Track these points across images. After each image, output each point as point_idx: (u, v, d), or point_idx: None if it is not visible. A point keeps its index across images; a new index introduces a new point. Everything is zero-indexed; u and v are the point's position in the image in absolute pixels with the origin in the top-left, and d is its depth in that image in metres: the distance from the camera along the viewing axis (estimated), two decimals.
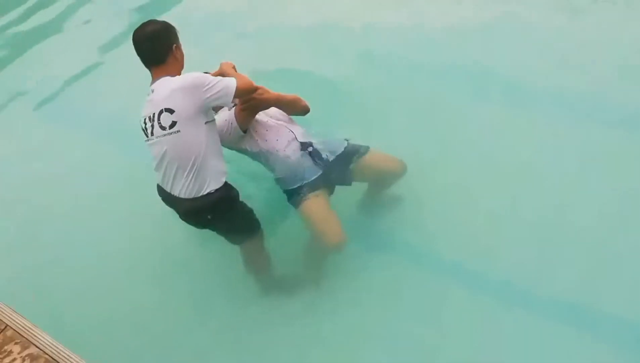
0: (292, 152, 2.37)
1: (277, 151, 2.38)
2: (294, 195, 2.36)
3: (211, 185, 2.13)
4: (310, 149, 2.38)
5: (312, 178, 2.35)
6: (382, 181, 2.66)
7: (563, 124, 3.05)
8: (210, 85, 2.04)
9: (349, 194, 2.64)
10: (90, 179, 3.20)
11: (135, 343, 2.45)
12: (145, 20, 2.17)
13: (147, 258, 2.77)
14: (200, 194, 2.12)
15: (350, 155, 2.47)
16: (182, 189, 2.12)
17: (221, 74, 2.24)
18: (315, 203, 2.32)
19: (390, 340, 2.36)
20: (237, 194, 2.27)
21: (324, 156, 2.40)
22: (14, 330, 2.06)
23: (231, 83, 2.09)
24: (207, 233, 2.37)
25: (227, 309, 2.57)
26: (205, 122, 2.10)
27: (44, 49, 4.43)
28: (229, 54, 2.88)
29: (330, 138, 2.54)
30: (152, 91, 2.09)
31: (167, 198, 2.22)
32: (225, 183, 2.19)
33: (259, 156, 2.45)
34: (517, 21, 3.80)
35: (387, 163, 2.57)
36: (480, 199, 2.75)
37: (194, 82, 2.02)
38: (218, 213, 2.20)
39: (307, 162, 2.36)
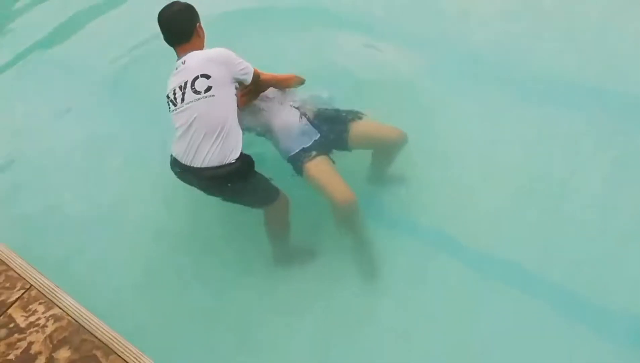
0: (291, 118, 2.51)
1: (277, 120, 2.51)
2: (296, 161, 2.42)
3: (233, 154, 2.20)
4: (306, 114, 2.54)
5: (310, 142, 2.45)
6: (381, 150, 2.65)
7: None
8: (238, 61, 2.25)
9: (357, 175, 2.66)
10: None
11: (152, 311, 2.48)
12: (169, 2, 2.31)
13: (173, 225, 2.79)
14: (224, 163, 2.18)
15: (343, 118, 2.55)
16: (207, 157, 2.17)
17: None
18: (317, 165, 2.40)
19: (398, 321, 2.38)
20: (253, 162, 2.33)
21: (316, 120, 2.52)
22: (38, 290, 2.09)
23: (249, 66, 2.30)
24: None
25: (232, 277, 2.60)
26: (234, 93, 2.27)
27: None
28: None
29: (319, 101, 2.65)
30: (184, 62, 2.21)
31: (186, 170, 2.25)
32: (242, 152, 2.26)
33: (263, 130, 2.57)
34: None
35: (383, 130, 2.58)
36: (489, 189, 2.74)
37: (227, 55, 2.22)
38: (238, 180, 2.27)
39: (305, 126, 2.49)
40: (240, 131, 2.27)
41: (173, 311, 2.48)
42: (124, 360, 1.84)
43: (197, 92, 2.15)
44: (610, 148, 2.86)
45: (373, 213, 2.66)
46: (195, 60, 2.19)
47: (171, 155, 2.30)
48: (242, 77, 2.29)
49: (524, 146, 2.93)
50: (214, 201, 2.45)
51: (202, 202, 2.64)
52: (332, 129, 2.51)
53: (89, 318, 1.99)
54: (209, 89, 2.15)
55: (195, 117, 2.15)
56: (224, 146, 2.17)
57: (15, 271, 2.15)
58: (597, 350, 2.19)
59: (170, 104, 2.24)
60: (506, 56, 3.44)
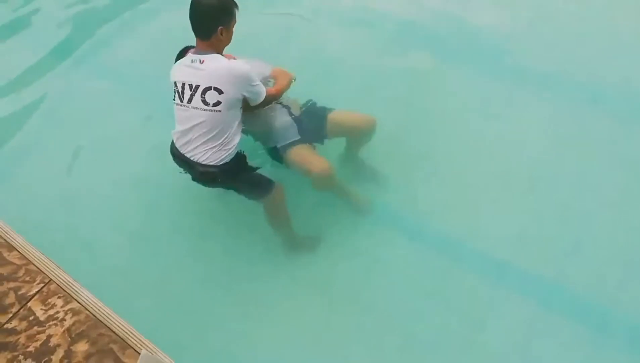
0: (281, 116, 2.60)
1: (269, 119, 2.58)
2: (278, 151, 2.54)
3: (228, 157, 2.30)
4: (290, 109, 2.64)
5: (298, 136, 2.57)
6: (354, 137, 2.82)
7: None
8: (254, 84, 2.26)
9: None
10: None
11: (168, 307, 2.52)
12: None
13: (191, 222, 2.84)
14: (217, 163, 2.28)
15: (320, 112, 2.70)
16: (202, 157, 2.27)
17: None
18: (298, 150, 2.53)
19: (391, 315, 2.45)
20: (245, 158, 2.43)
21: (300, 115, 2.65)
22: (57, 284, 2.12)
23: (263, 91, 2.33)
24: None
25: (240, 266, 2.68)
26: (240, 108, 2.31)
27: None
28: None
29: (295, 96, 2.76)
30: (201, 62, 2.19)
31: (181, 158, 2.34)
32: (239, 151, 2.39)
33: (257, 132, 2.65)
34: None
35: (355, 119, 2.74)
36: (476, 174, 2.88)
37: (245, 75, 2.22)
38: (228, 176, 2.36)
39: (292, 121, 2.59)
40: (239, 137, 2.33)
41: (188, 307, 2.52)
42: (140, 353, 1.86)
43: (205, 102, 2.17)
44: (615, 147, 2.92)
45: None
46: (214, 67, 2.17)
47: (172, 139, 2.39)
48: (252, 98, 2.30)
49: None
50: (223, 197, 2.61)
51: (210, 198, 2.75)
52: (313, 122, 2.66)
53: (107, 312, 2.02)
54: (217, 103, 2.17)
55: (197, 123, 2.22)
56: (220, 151, 2.27)
57: (35, 265, 2.18)
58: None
59: (176, 94, 2.27)
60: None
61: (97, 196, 2.97)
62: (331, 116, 2.67)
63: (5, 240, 2.27)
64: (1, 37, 4.07)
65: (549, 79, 3.32)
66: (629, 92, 3.19)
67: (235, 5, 2.26)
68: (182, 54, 2.43)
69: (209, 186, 2.55)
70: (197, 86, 2.17)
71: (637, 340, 2.26)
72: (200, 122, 2.22)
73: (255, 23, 3.53)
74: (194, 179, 2.46)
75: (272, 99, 2.51)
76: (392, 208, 2.82)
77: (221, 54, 2.28)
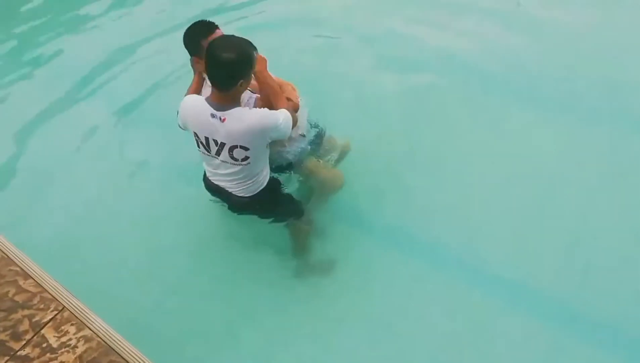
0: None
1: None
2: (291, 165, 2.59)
3: (261, 186, 2.34)
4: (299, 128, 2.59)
5: (308, 148, 2.66)
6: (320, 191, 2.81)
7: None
8: (279, 124, 2.09)
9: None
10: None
11: (180, 332, 2.53)
12: (229, 35, 2.09)
13: (201, 247, 2.88)
14: (253, 193, 2.34)
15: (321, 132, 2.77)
16: (237, 191, 2.32)
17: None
18: (308, 161, 2.65)
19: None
20: (279, 182, 2.48)
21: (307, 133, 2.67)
22: (70, 311, 2.15)
23: (289, 118, 2.15)
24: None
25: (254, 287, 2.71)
26: (267, 145, 2.22)
27: None
28: None
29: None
30: (222, 120, 2.04)
31: (217, 189, 2.38)
32: (272, 176, 2.41)
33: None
34: None
35: (326, 175, 2.72)
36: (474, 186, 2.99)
37: (268, 126, 2.06)
38: (266, 203, 2.40)
39: (302, 138, 2.61)
40: (268, 166, 2.36)
41: (202, 336, 2.52)
42: None
43: (234, 159, 2.14)
44: (614, 159, 3.05)
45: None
46: (236, 125, 2.03)
47: (204, 172, 2.42)
48: (283, 135, 2.19)
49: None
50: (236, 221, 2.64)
51: (227, 226, 2.79)
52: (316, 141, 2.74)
53: (118, 339, 2.04)
54: (246, 158, 2.14)
55: (228, 172, 2.23)
56: (254, 185, 2.31)
57: (50, 293, 2.22)
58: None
59: (200, 145, 2.20)
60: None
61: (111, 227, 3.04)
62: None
63: (21, 268, 2.32)
64: None
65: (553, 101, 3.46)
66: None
67: (254, 49, 2.06)
68: (193, 37, 2.25)
69: (244, 214, 2.56)
70: (223, 144, 2.10)
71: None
72: (232, 172, 2.23)
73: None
74: (230, 208, 2.51)
75: (295, 116, 2.30)
76: (409, 232, 2.87)
77: (239, 103, 2.14)
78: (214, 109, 2.05)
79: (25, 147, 3.49)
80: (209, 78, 2.08)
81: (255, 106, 2.30)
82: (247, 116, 2.05)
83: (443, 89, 3.63)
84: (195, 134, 2.17)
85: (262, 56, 2.18)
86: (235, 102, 2.08)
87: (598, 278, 2.56)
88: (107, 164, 3.37)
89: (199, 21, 2.30)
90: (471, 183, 3.04)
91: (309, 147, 2.67)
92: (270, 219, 2.59)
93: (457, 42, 3.99)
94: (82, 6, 4.83)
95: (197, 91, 2.35)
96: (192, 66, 2.37)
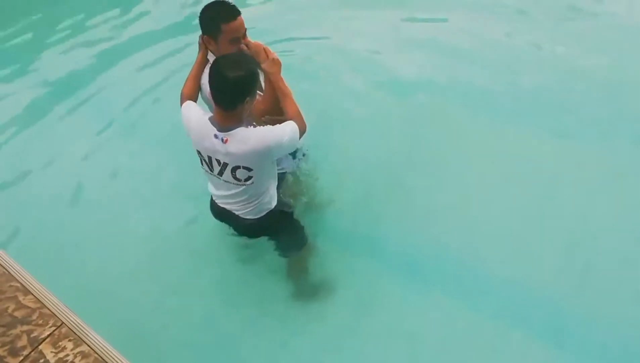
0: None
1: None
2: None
3: (272, 204, 2.29)
4: None
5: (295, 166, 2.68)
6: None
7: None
8: (282, 143, 2.04)
9: None
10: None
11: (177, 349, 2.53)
12: (234, 53, 2.08)
13: (201, 270, 2.87)
14: (261, 215, 2.28)
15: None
16: (243, 212, 2.26)
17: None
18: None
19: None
20: (290, 204, 2.44)
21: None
22: (69, 327, 2.16)
23: (295, 132, 2.06)
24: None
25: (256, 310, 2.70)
26: (271, 163, 2.19)
27: None
28: None
29: None
30: (224, 141, 2.00)
31: (222, 213, 2.33)
32: (279, 198, 2.33)
33: None
34: None
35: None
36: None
37: (270, 146, 2.02)
38: (275, 228, 2.37)
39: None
40: (275, 184, 2.31)
41: (197, 349, 2.52)
42: None
43: (237, 179, 2.11)
44: (613, 160, 3.12)
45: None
46: (239, 146, 1.99)
47: (211, 196, 2.37)
48: (289, 150, 2.21)
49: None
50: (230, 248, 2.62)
51: (230, 249, 2.79)
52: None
53: (115, 355, 2.04)
54: (249, 178, 2.10)
55: (232, 193, 2.19)
56: (260, 205, 2.25)
57: (49, 309, 2.23)
58: None
59: (204, 163, 2.17)
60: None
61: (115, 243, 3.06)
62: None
63: (22, 284, 2.33)
64: None
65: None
66: None
67: (258, 65, 2.05)
68: (215, 18, 2.12)
69: (250, 238, 2.55)
70: (226, 164, 2.07)
71: None
72: (236, 192, 2.19)
73: None
74: (236, 232, 2.49)
75: (304, 125, 2.19)
76: (412, 256, 2.86)
77: (244, 121, 2.06)
78: (217, 129, 2.01)
79: (24, 161, 3.56)
80: (213, 98, 2.01)
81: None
82: (250, 137, 2.00)
83: (444, 93, 3.76)
84: (199, 153, 2.16)
85: (277, 58, 2.15)
86: (239, 121, 2.02)
87: (598, 279, 2.59)
88: (106, 176, 3.42)
89: (222, 2, 2.14)
90: (471, 184, 3.11)
91: (295, 165, 2.64)
92: (278, 250, 2.57)
93: (458, 43, 4.14)
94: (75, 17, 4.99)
95: (199, 75, 2.26)
96: (199, 43, 2.26)
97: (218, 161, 2.08)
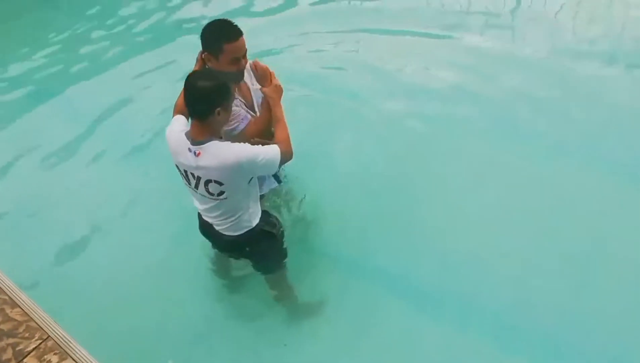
0: None
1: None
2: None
3: (252, 222, 2.26)
4: None
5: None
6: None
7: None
8: (258, 163, 2.04)
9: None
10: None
11: None
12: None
13: (189, 286, 2.87)
14: (241, 232, 2.26)
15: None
16: (223, 229, 2.26)
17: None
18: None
19: None
20: (276, 224, 2.39)
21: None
22: (55, 340, 2.17)
23: (276, 156, 2.08)
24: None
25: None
26: (249, 182, 2.16)
27: None
28: None
29: None
30: (196, 155, 2.01)
31: (205, 227, 2.34)
32: (264, 212, 2.32)
33: None
34: None
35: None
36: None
37: (241, 162, 2.01)
38: (257, 245, 2.33)
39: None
40: (257, 203, 2.29)
41: None
42: None
43: (210, 193, 2.11)
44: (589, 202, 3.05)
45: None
46: (211, 160, 2.01)
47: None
48: (265, 172, 2.22)
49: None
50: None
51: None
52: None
53: None
54: (221, 193, 2.09)
55: (210, 206, 2.20)
56: (240, 222, 2.23)
57: (36, 322, 2.25)
58: None
59: (182, 177, 2.18)
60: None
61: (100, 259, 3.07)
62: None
63: (9, 296, 2.35)
64: None
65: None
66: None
67: (231, 83, 2.09)
68: (217, 37, 2.15)
69: (231, 256, 2.56)
70: (199, 178, 2.07)
71: None
72: (211, 206, 2.18)
73: None
74: (216, 248, 2.50)
75: (290, 153, 2.20)
76: (400, 266, 2.86)
77: (219, 135, 2.10)
78: (191, 143, 2.04)
79: (18, 178, 3.63)
80: (187, 109, 2.06)
81: (244, 128, 2.28)
82: (221, 151, 2.01)
83: (436, 113, 3.81)
84: (177, 167, 2.18)
85: (280, 85, 2.22)
86: (213, 134, 2.03)
87: (601, 322, 2.51)
88: (95, 197, 3.45)
89: (226, 22, 2.18)
90: (466, 203, 3.09)
91: (275, 184, 2.65)
92: (258, 270, 2.54)
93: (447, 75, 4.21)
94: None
95: None
96: (197, 58, 2.27)
97: (192, 175, 2.09)
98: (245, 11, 5.46)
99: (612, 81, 4.03)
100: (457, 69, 4.25)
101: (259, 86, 2.37)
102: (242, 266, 2.67)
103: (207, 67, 2.24)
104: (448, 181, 3.30)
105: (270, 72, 2.23)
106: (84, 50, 5.12)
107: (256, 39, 3.55)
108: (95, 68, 4.82)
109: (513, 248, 2.86)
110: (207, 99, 1.97)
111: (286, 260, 2.53)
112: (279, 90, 2.23)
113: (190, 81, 1.98)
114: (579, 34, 4.74)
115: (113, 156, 3.77)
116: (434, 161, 3.45)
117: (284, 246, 2.49)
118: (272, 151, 2.08)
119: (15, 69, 4.94)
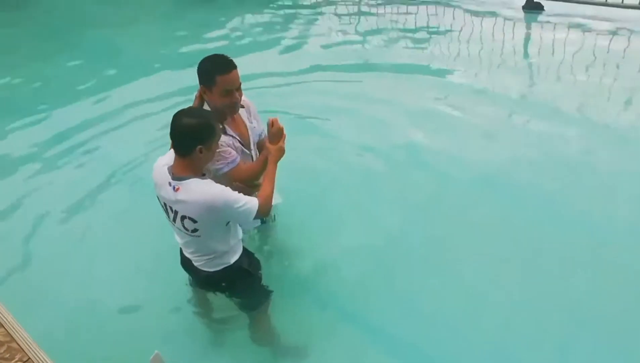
0: None
1: None
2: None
3: (230, 260, 2.30)
4: None
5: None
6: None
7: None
8: (235, 210, 2.09)
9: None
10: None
11: None
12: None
13: (178, 322, 2.86)
14: (218, 269, 2.30)
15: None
16: (199, 264, 2.30)
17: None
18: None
19: None
20: (255, 263, 2.43)
21: None
22: (34, 362, 2.15)
23: (253, 208, 2.13)
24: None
25: None
26: (226, 224, 2.20)
27: None
28: None
29: None
30: (175, 190, 2.05)
31: (185, 261, 2.39)
32: (244, 250, 2.36)
33: None
34: None
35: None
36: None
37: (216, 204, 2.05)
38: (233, 282, 2.36)
39: None
40: (238, 239, 2.32)
41: None
42: None
43: (185, 229, 2.14)
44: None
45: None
46: (189, 196, 2.04)
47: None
48: (240, 221, 2.22)
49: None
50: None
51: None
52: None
53: None
54: (195, 230, 2.13)
55: (185, 242, 2.26)
56: (217, 259, 2.28)
57: (18, 343, 2.24)
58: None
59: (163, 209, 2.22)
60: None
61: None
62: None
63: None
64: None
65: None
66: None
67: (218, 124, 2.12)
68: (211, 70, 2.26)
69: (208, 291, 2.60)
70: (176, 212, 2.11)
71: None
72: (186, 241, 2.25)
73: None
74: (194, 283, 2.52)
75: (267, 210, 2.26)
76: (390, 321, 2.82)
77: (201, 173, 2.13)
78: (172, 177, 2.08)
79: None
80: (172, 145, 2.09)
81: (229, 171, 2.32)
82: (200, 189, 2.04)
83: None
84: (158, 199, 2.22)
85: (284, 148, 2.34)
86: (194, 172, 2.07)
87: None
88: (83, 219, 3.55)
89: (220, 56, 2.29)
90: (462, 262, 3.11)
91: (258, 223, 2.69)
92: (239, 306, 2.54)
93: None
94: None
95: None
96: (195, 95, 2.37)
97: (171, 208, 2.13)
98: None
99: None
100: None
101: (257, 125, 2.50)
102: (224, 307, 2.65)
103: (205, 103, 2.34)
104: (448, 243, 3.31)
105: (284, 135, 2.34)
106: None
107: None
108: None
109: (509, 316, 2.82)
110: (189, 136, 2.01)
111: (269, 299, 2.53)
112: (281, 151, 2.34)
113: (177, 116, 2.03)
114: None
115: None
116: (437, 219, 3.50)
117: (263, 285, 2.50)
118: (251, 203, 2.14)
119: None
